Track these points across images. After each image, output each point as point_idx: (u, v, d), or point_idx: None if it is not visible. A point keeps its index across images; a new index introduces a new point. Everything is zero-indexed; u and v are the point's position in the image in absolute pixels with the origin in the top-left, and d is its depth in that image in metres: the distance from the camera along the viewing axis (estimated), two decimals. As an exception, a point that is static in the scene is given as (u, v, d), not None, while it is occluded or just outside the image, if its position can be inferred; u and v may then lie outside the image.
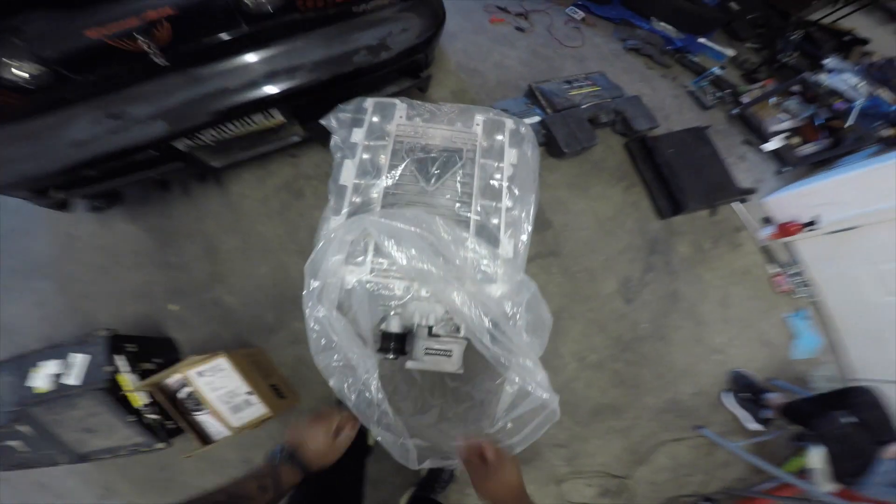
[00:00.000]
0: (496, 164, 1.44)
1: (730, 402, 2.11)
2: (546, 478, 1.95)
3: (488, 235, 1.30)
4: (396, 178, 1.33)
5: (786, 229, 2.26)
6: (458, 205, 1.32)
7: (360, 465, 1.47)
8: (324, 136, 1.42)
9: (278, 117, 1.54)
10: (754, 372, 2.17)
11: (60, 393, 1.47)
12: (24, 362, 1.53)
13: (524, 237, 1.33)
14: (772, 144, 2.50)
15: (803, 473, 1.86)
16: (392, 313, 1.23)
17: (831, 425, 1.53)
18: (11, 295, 1.88)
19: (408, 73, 1.74)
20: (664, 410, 2.09)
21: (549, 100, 2.17)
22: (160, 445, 1.57)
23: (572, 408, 1.99)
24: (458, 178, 1.37)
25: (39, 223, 1.92)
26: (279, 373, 1.81)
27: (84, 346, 1.52)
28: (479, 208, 1.32)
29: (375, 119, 1.42)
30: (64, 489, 1.80)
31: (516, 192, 1.40)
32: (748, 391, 2.08)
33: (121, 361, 1.52)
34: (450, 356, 1.24)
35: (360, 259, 1.21)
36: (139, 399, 1.53)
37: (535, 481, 1.95)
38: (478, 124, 1.47)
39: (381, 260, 1.22)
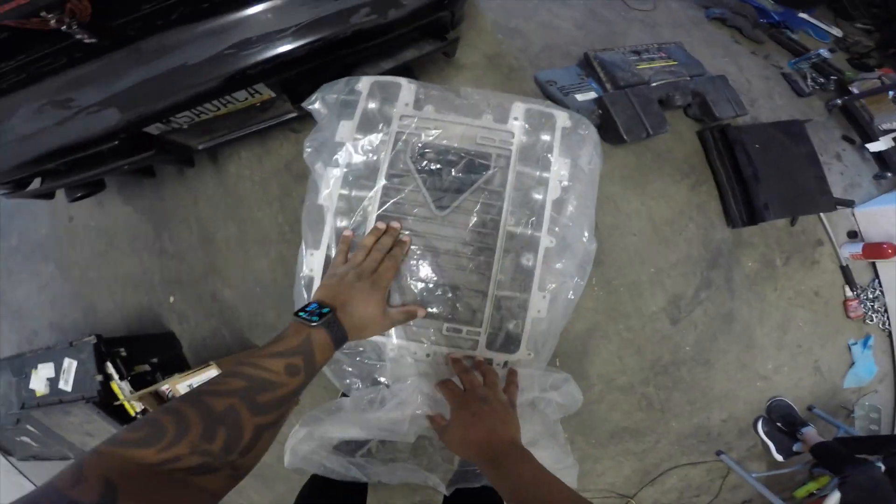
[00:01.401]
0: (538, 175, 1.04)
1: (762, 431, 1.95)
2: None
3: (521, 279, 0.97)
4: (398, 194, 0.93)
5: (876, 250, 1.89)
6: (476, 233, 0.92)
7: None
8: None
9: (266, 92, 1.21)
10: (796, 398, 1.99)
11: (56, 398, 1.41)
12: (27, 362, 1.47)
13: (570, 295, 0.94)
14: (879, 144, 2.01)
15: (812, 497, 1.89)
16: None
17: (858, 473, 1.43)
18: (15, 277, 1.83)
19: (431, 33, 1.35)
20: (688, 436, 1.92)
21: (609, 73, 1.71)
22: None
23: (588, 429, 1.83)
24: (482, 198, 0.94)
25: (39, 203, 1.74)
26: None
27: (73, 351, 1.41)
28: (506, 241, 0.93)
29: (372, 105, 0.99)
30: None
31: (565, 222, 1.05)
32: (784, 422, 1.93)
33: (111, 369, 1.40)
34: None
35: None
36: (134, 407, 1.43)
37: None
38: (516, 118, 1.00)
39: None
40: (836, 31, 2.35)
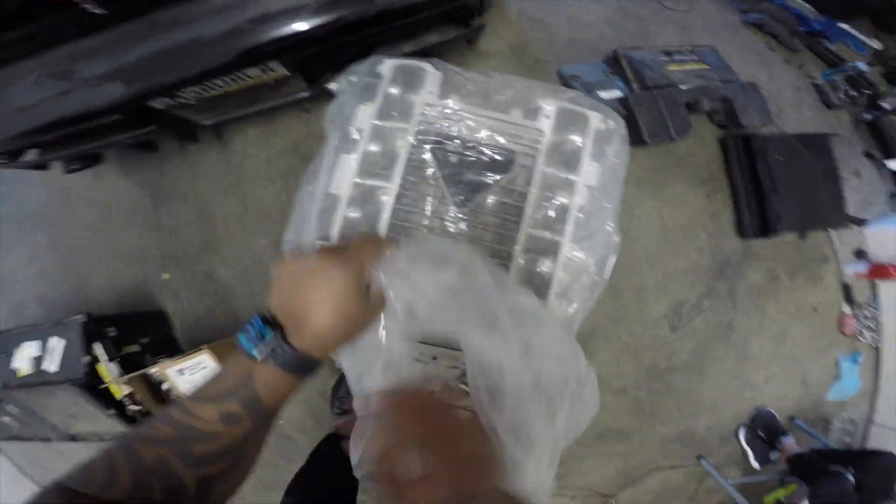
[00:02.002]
0: (564, 177, 0.99)
1: (743, 438, 2.00)
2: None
3: (538, 284, 0.93)
4: (415, 187, 0.84)
5: (882, 271, 1.89)
6: (495, 234, 0.84)
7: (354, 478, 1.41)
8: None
9: (279, 70, 1.13)
10: (781, 409, 2.03)
11: (41, 378, 1.34)
12: (10, 340, 1.38)
13: (587, 303, 0.94)
14: (901, 163, 1.99)
15: None
16: None
17: (828, 485, 1.50)
18: (6, 244, 1.74)
19: (456, 18, 1.27)
20: (673, 440, 1.96)
21: (637, 72, 1.62)
22: None
23: (577, 429, 1.87)
24: (504, 197, 0.85)
25: (34, 172, 1.63)
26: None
27: (61, 330, 1.34)
28: (525, 245, 0.89)
29: (394, 90, 0.90)
30: (68, 448, 1.76)
31: (590, 229, 1.01)
32: (766, 430, 1.98)
33: (99, 350, 1.34)
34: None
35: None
36: (121, 391, 1.37)
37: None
38: (547, 116, 0.90)
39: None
40: (876, 44, 2.26)
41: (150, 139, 1.33)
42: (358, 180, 0.86)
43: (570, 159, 0.96)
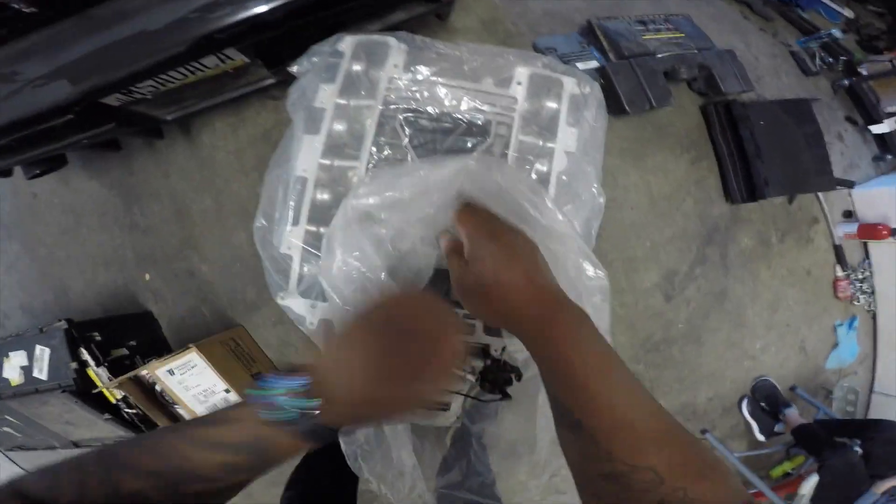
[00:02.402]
0: (542, 144, 0.97)
1: (746, 410, 1.98)
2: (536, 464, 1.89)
3: None
4: (386, 164, 0.82)
5: (871, 231, 1.87)
6: None
7: (353, 496, 1.40)
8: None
9: (238, 58, 1.09)
10: (780, 378, 2.01)
11: (32, 387, 1.33)
12: None
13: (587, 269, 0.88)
14: (883, 127, 1.98)
15: (788, 477, 1.95)
16: None
17: (835, 457, 1.48)
18: None
19: (423, -6, 1.22)
20: (674, 413, 1.91)
21: (613, 42, 1.60)
22: None
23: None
24: None
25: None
26: (264, 357, 1.62)
27: (45, 338, 1.32)
28: None
29: (357, 67, 0.86)
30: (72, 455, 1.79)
31: (572, 195, 0.99)
32: (768, 402, 1.96)
33: (86, 355, 1.32)
34: (446, 409, 0.98)
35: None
36: (114, 394, 1.35)
37: (526, 472, 1.88)
38: (519, 83, 0.88)
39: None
40: (848, 13, 2.27)
41: (111, 138, 1.29)
42: (325, 161, 0.83)
43: (547, 126, 0.93)
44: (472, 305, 0.45)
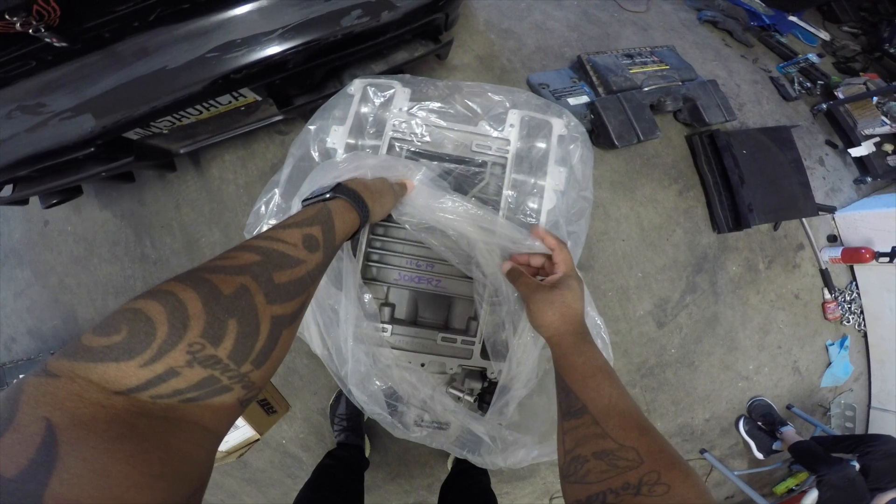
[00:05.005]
0: (533, 182, 1.03)
1: (744, 429, 2.01)
2: (540, 492, 1.89)
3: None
4: None
5: (854, 255, 1.91)
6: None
7: (359, 479, 1.40)
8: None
9: (250, 96, 1.15)
10: (776, 397, 2.05)
11: None
12: (7, 373, 1.44)
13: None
14: (861, 150, 2.04)
15: (792, 493, 1.96)
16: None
17: (833, 472, 1.48)
18: None
19: (424, 35, 1.30)
20: (672, 435, 1.96)
21: (602, 77, 1.69)
22: None
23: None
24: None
25: (12, 207, 1.65)
26: (269, 383, 1.63)
27: None
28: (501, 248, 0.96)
29: (365, 109, 0.98)
30: None
31: (562, 231, 1.04)
32: (765, 421, 1.98)
33: None
34: (446, 429, 0.99)
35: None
36: None
37: (528, 495, 1.88)
38: (512, 125, 1.00)
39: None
40: (824, 35, 2.37)
41: (127, 171, 1.32)
42: None
43: (538, 164, 1.00)
44: (542, 313, 0.60)
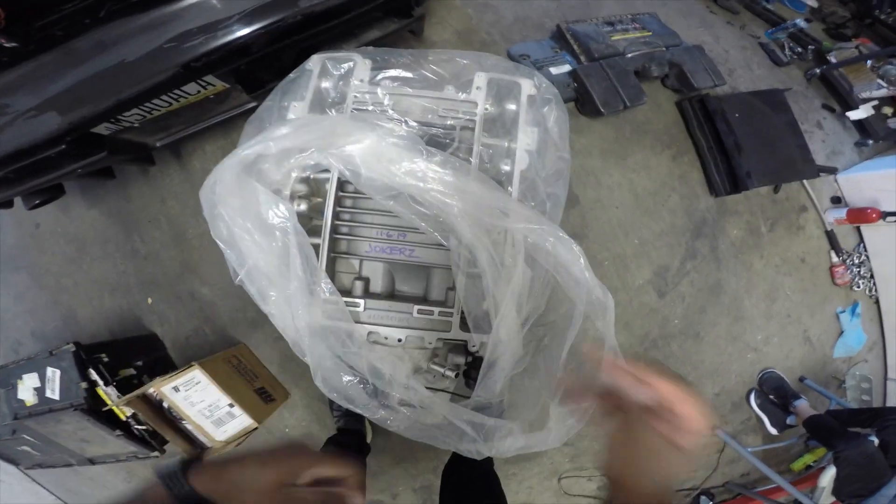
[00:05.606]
0: (507, 146, 0.99)
1: (755, 403, 1.94)
2: (548, 472, 1.85)
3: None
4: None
5: (860, 215, 1.84)
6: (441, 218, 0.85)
7: (361, 464, 1.40)
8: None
9: (218, 84, 1.15)
10: (787, 369, 1.97)
11: (46, 406, 1.39)
12: (11, 373, 1.44)
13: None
14: (859, 113, 1.98)
15: (810, 469, 1.89)
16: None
17: (850, 448, 1.42)
18: None
19: (395, 11, 1.28)
20: None
21: (583, 45, 1.65)
22: (154, 454, 1.49)
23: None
24: None
25: (2, 212, 1.66)
26: (266, 372, 1.64)
27: (54, 360, 1.39)
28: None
29: (325, 84, 0.96)
30: (93, 472, 1.83)
31: (539, 192, 1.00)
32: (777, 394, 1.92)
33: (95, 375, 1.37)
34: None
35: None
36: (124, 412, 1.40)
37: (535, 476, 1.84)
38: (479, 87, 0.96)
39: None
40: (812, 2, 2.31)
41: (104, 166, 1.34)
42: (302, 174, 0.91)
43: (510, 127, 0.97)
44: (637, 477, 0.46)
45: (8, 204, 1.30)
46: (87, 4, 0.89)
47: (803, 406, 1.80)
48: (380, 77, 0.97)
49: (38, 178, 1.17)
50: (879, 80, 1.94)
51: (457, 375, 0.95)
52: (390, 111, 0.94)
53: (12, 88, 0.94)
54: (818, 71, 2.08)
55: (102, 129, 1.12)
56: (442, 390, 0.99)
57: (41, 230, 1.71)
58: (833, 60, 2.05)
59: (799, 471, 1.94)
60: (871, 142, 2.06)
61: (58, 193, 1.33)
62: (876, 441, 1.43)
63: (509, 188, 0.94)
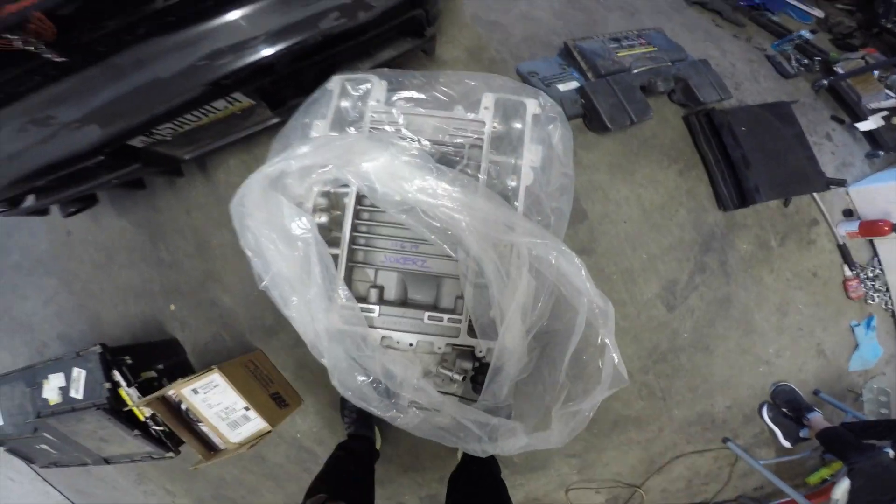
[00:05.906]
0: (512, 162, 1.05)
1: (768, 416, 1.92)
2: (555, 484, 1.86)
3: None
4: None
5: (873, 228, 1.83)
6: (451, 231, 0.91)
7: (370, 471, 1.42)
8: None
9: (245, 100, 1.22)
10: (801, 382, 1.95)
11: (69, 406, 1.45)
12: (38, 373, 1.50)
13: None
14: (869, 124, 1.98)
15: (825, 483, 1.86)
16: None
17: (865, 459, 1.40)
18: (20, 292, 1.87)
19: (408, 31, 1.34)
20: (692, 423, 1.90)
21: (590, 62, 1.69)
22: (169, 455, 1.54)
23: (591, 420, 1.80)
24: None
25: (36, 220, 1.79)
26: (281, 378, 1.69)
27: (81, 361, 1.45)
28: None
29: (345, 104, 1.04)
30: (104, 473, 1.90)
31: (544, 207, 1.04)
32: (790, 407, 1.89)
33: (118, 376, 1.44)
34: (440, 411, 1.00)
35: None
36: (143, 412, 1.47)
37: (542, 487, 1.85)
38: (486, 107, 1.03)
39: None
40: (818, 12, 2.32)
41: (137, 177, 1.42)
42: (324, 189, 0.98)
43: (516, 145, 1.02)
44: None
45: (44, 211, 1.38)
46: (129, 22, 0.96)
47: (817, 419, 1.78)
48: (395, 98, 1.04)
49: (77, 187, 1.25)
50: (887, 91, 1.94)
51: (464, 379, 0.99)
52: (404, 130, 1.00)
53: (58, 101, 1.00)
54: (826, 82, 2.08)
55: (137, 141, 1.19)
56: (450, 394, 1.03)
57: (72, 237, 1.79)
58: (840, 71, 2.06)
59: (815, 484, 1.90)
60: (882, 153, 2.05)
61: (92, 202, 1.42)
62: (892, 453, 1.40)
63: (515, 203, 0.98)
